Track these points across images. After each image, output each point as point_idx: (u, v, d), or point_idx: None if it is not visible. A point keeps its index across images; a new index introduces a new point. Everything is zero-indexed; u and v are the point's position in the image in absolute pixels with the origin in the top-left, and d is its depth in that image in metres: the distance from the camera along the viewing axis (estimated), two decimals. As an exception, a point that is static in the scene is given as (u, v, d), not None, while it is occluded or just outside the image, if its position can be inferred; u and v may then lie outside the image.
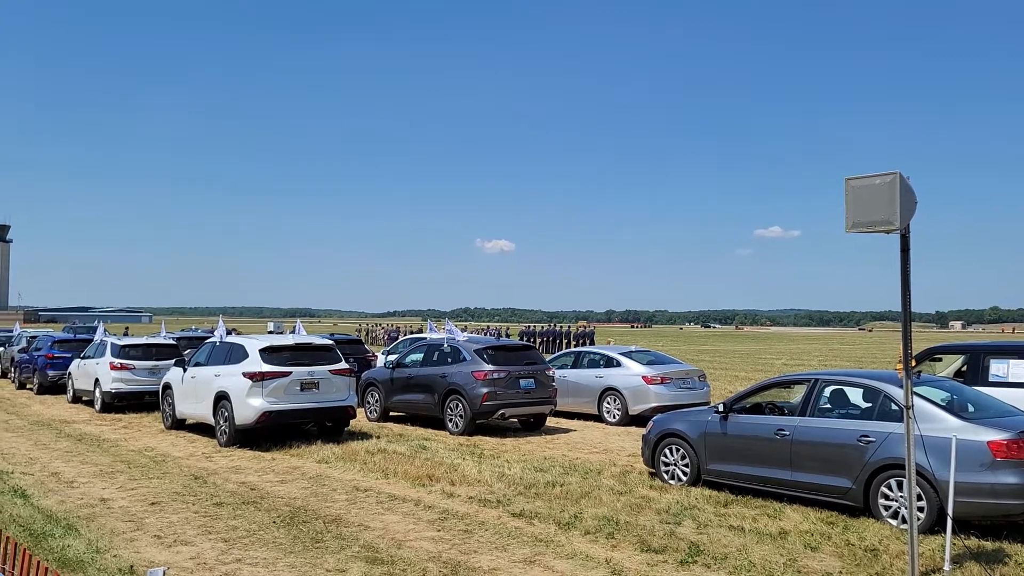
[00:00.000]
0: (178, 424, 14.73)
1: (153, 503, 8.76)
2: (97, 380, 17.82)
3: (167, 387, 14.97)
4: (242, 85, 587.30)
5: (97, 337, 20.30)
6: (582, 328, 59.19)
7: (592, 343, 44.96)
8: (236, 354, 13.20)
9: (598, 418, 16.13)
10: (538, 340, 48.02)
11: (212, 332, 17.32)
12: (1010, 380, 10.55)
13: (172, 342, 19.31)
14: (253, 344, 13.19)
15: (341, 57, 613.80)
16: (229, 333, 17.60)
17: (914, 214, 6.07)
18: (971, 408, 8.05)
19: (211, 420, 13.18)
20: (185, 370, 14.40)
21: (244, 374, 12.57)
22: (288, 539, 7.32)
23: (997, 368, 10.78)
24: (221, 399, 12.86)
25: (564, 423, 15.91)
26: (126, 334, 26.84)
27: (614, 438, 14.10)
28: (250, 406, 12.39)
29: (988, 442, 7.22)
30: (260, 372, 12.52)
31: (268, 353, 12.82)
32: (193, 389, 13.91)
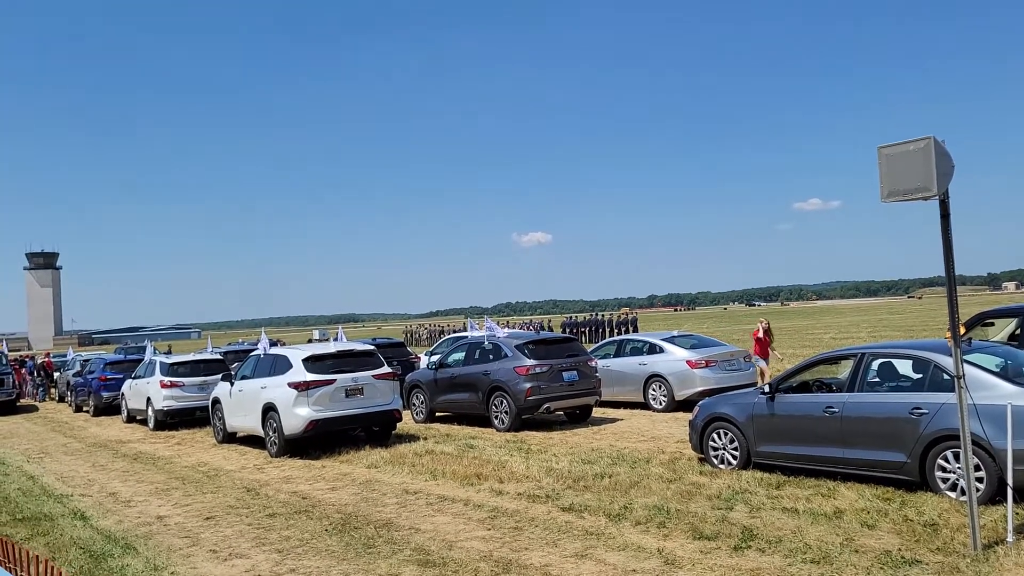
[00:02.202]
0: (229, 438, 14.98)
1: (208, 518, 8.91)
2: (149, 399, 18.22)
3: (216, 402, 15.23)
4: (275, 93, 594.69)
5: (146, 357, 20.75)
6: (624, 316, 58.87)
7: (635, 330, 44.69)
8: (280, 365, 13.37)
9: (644, 406, 16.02)
10: (580, 331, 47.86)
11: (257, 345, 17.56)
12: (1068, 341, 10.21)
13: (219, 357, 19.63)
14: (296, 354, 13.34)
15: (373, 57, 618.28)
16: (274, 344, 17.85)
17: (952, 178, 5.89)
18: (1027, 373, 7.79)
19: (260, 432, 13.38)
20: (232, 384, 14.63)
21: (289, 384, 12.73)
22: (340, 546, 7.39)
23: (1053, 329, 10.43)
24: (269, 410, 13.04)
25: (610, 413, 15.82)
26: (169, 352, 27.43)
27: (661, 425, 13.99)
28: (297, 416, 12.55)
29: (1047, 407, 6.98)
30: (305, 381, 12.66)
31: (311, 362, 12.95)
32: (241, 402, 14.13)
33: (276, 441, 12.87)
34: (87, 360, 26.68)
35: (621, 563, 6.41)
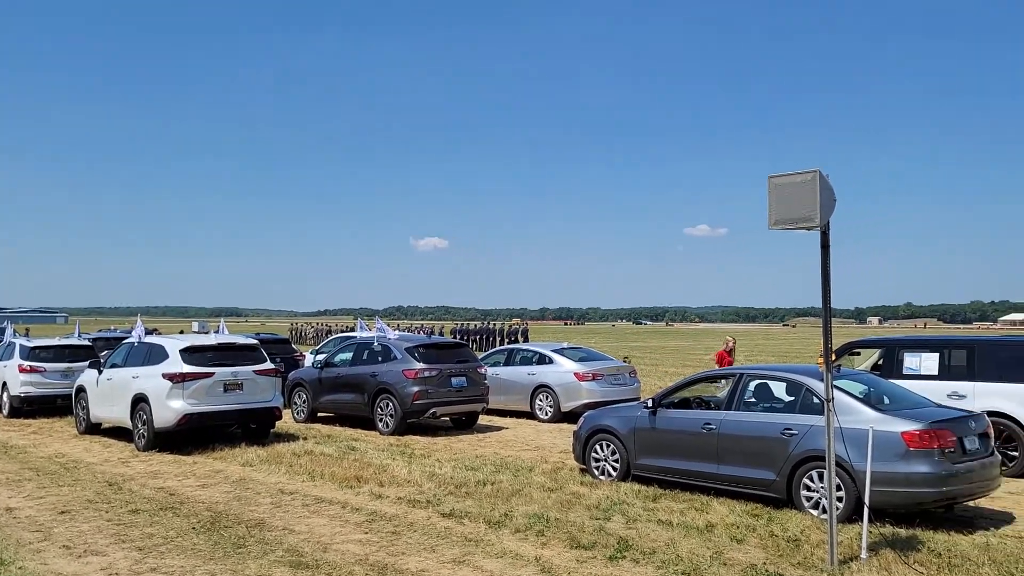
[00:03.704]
0: (92, 429, 14.15)
1: (63, 512, 8.35)
2: (4, 384, 16.98)
3: (81, 390, 14.35)
4: (164, 85, 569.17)
5: (5, 339, 19.34)
6: (515, 326, 59.28)
7: (526, 340, 45.09)
8: (155, 355, 12.74)
9: (531, 415, 16.15)
10: (471, 338, 47.92)
11: (131, 332, 16.68)
12: (922, 372, 11.00)
13: (87, 343, 18.54)
14: (173, 344, 12.76)
15: (274, 55, 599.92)
16: (149, 333, 16.96)
17: (833, 211, 6.22)
18: (887, 400, 8.32)
19: (128, 424, 12.69)
20: (101, 372, 13.83)
21: (164, 375, 12.13)
22: (208, 545, 7.06)
23: (910, 361, 11.22)
24: (139, 401, 12.39)
25: (497, 421, 15.87)
26: (27, 335, 25.69)
27: (546, 435, 14.13)
28: (170, 408, 11.97)
29: (902, 433, 7.47)
30: (181, 373, 12.10)
31: (189, 353, 12.40)
32: (109, 391, 13.36)
33: (145, 434, 12.23)
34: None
35: (498, 570, 6.41)
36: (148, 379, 12.36)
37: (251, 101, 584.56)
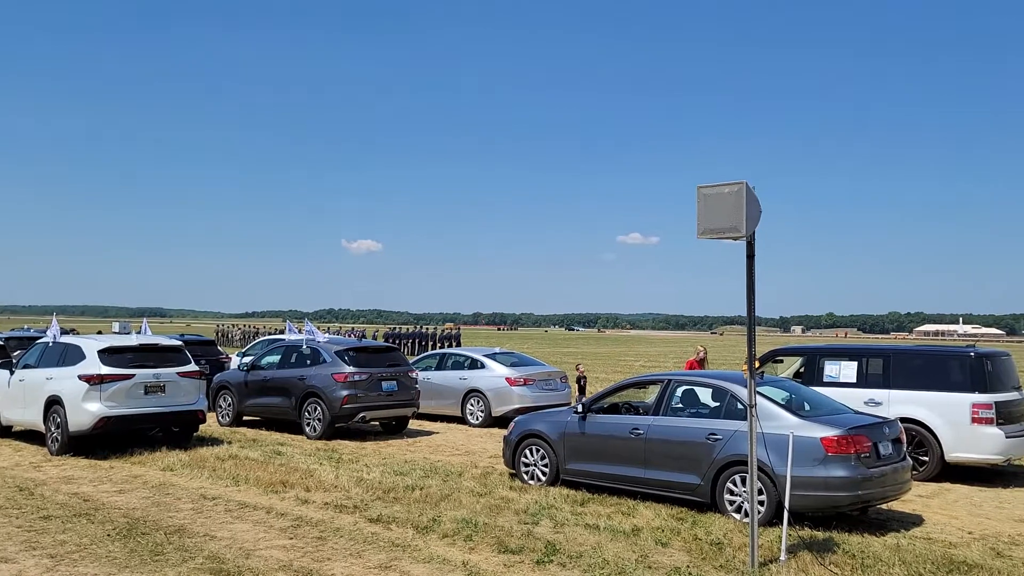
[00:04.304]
0: (3, 432, 13.53)
1: (-33, 519, 7.94)
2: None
3: (-9, 391, 13.67)
4: (111, 85, 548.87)
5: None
6: (448, 330, 59.08)
7: (458, 345, 44.98)
8: (72, 355, 12.24)
9: (462, 420, 16.10)
10: (403, 342, 47.56)
11: (45, 332, 16.00)
12: (841, 380, 11.40)
13: (-1, 342, 17.69)
14: (91, 345, 12.29)
15: (204, 52, 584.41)
16: (66, 333, 16.29)
17: (759, 222, 6.39)
18: (807, 407, 8.57)
19: (41, 427, 12.16)
20: (12, 373, 13.22)
21: (80, 377, 11.67)
22: (124, 553, 6.82)
23: (831, 369, 11.61)
24: (53, 404, 11.89)
25: (427, 425, 15.78)
26: None
27: (477, 440, 14.12)
28: (86, 411, 11.51)
29: (821, 438, 7.72)
30: (99, 375, 11.65)
31: (108, 354, 11.96)
32: (21, 393, 12.78)
33: (59, 438, 11.74)
34: None
35: (425, 575, 6.36)
36: (63, 380, 11.87)
37: (175, 101, 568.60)
